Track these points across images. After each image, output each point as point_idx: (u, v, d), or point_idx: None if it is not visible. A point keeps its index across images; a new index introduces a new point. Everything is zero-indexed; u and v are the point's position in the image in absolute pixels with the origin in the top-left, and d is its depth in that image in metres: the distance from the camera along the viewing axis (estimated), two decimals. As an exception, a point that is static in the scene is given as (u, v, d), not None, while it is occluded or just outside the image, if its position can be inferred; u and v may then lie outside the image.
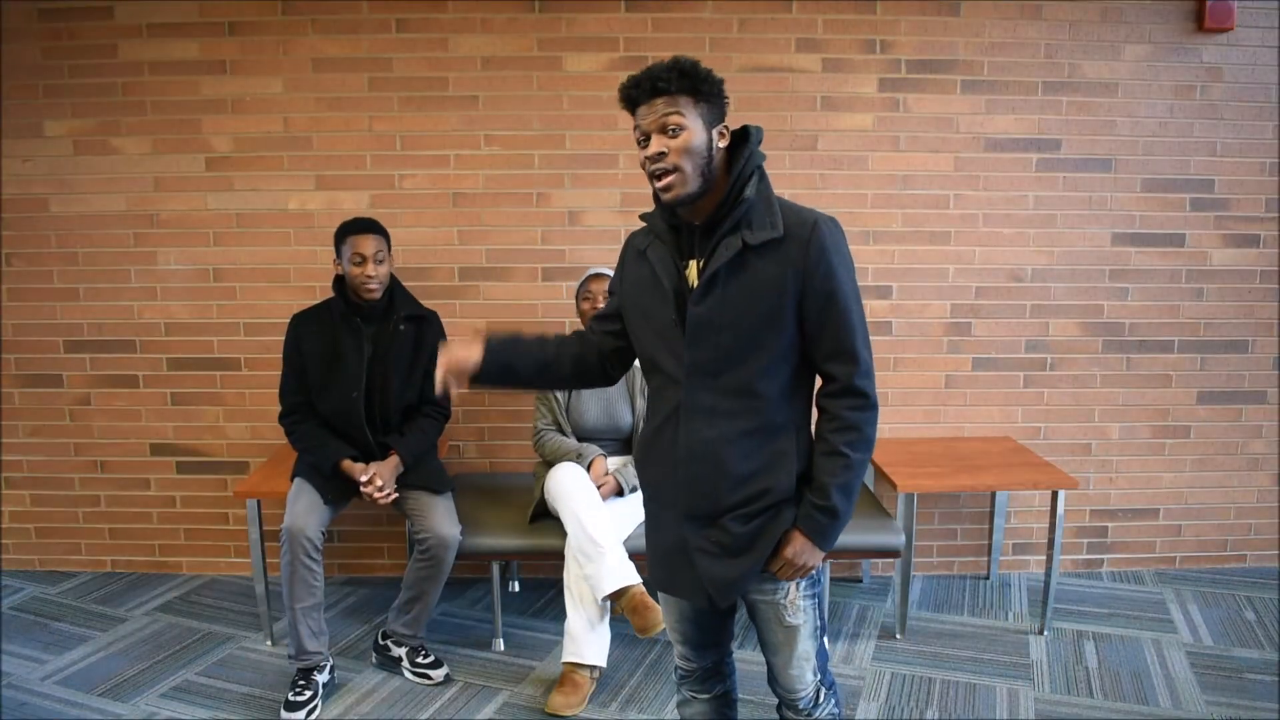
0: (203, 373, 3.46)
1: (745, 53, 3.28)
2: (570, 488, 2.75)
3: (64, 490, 3.54)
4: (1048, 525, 3.09)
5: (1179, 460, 3.54)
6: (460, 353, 1.74)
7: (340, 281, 2.82)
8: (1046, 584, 3.06)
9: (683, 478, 1.69)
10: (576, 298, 3.01)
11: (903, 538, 2.89)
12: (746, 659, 2.70)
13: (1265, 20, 3.29)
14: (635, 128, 1.61)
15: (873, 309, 3.38)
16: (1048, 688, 2.76)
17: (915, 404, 3.49)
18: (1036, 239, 3.40)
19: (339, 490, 2.77)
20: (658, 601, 2.42)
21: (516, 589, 3.48)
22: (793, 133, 3.33)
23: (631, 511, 2.79)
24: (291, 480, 2.80)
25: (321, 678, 2.70)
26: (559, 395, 2.99)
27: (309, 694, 2.62)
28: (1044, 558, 3.22)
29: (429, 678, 2.79)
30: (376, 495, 2.71)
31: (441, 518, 2.75)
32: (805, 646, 1.78)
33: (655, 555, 1.83)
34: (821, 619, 1.81)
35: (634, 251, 1.77)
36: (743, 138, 1.65)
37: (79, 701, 2.68)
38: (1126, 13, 3.28)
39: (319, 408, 2.81)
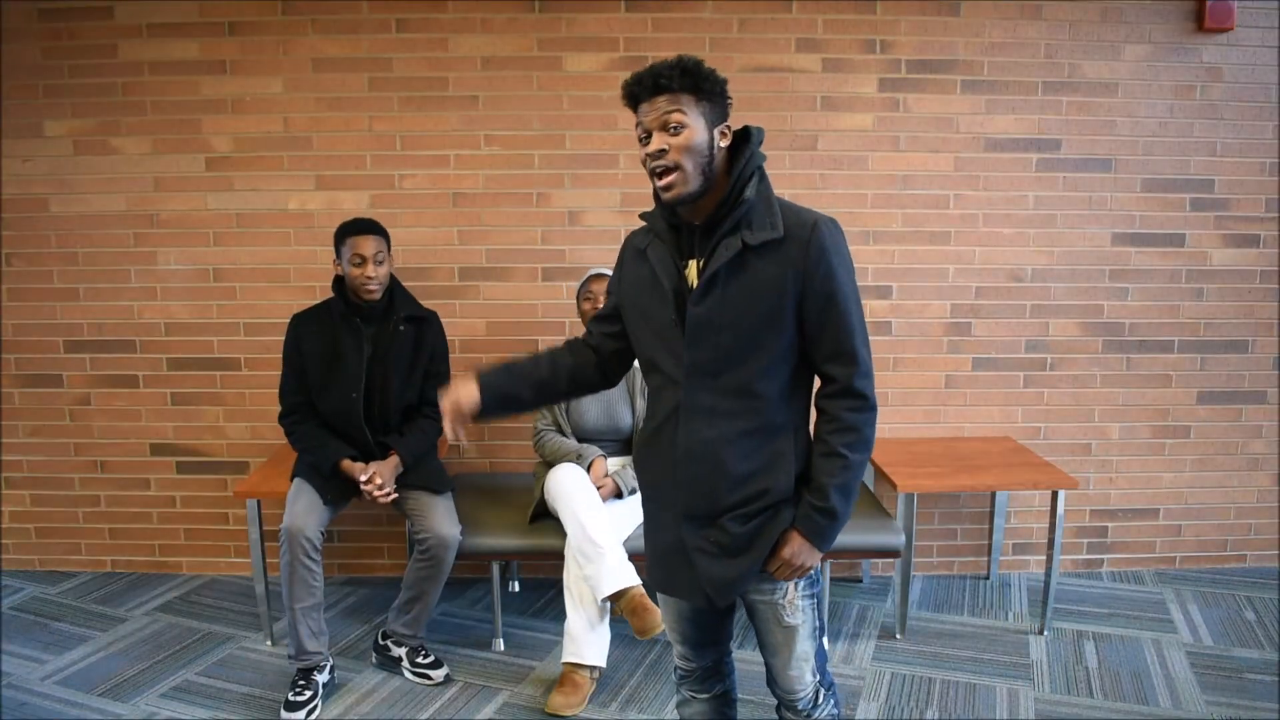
0: (203, 373, 3.46)
1: (745, 53, 3.28)
2: (570, 488, 2.75)
3: (64, 490, 3.54)
4: (1048, 525, 3.09)
5: (1179, 460, 3.54)
6: (458, 396, 1.74)
7: (340, 282, 2.82)
8: (1046, 584, 3.06)
9: (682, 478, 1.69)
10: (577, 298, 3.01)
11: (903, 538, 2.89)
12: (746, 659, 2.70)
13: (1265, 20, 3.29)
14: (637, 125, 1.61)
15: (873, 309, 3.38)
16: (1048, 688, 2.76)
17: (915, 404, 3.49)
18: (1036, 239, 3.40)
19: (339, 490, 2.77)
20: (657, 603, 2.42)
21: (516, 589, 3.48)
22: (793, 133, 3.33)
23: (631, 513, 2.79)
24: (291, 480, 2.80)
25: (321, 678, 2.70)
26: (559, 396, 3.00)
27: (309, 694, 2.62)
28: (1044, 558, 3.22)
29: (429, 678, 2.80)
30: (377, 494, 2.71)
31: (441, 518, 2.75)
32: (804, 647, 1.77)
33: (654, 555, 1.83)
34: (820, 619, 1.81)
35: (633, 251, 1.77)
36: (744, 138, 1.65)
37: (79, 701, 2.68)
38: (1126, 13, 3.28)
39: (319, 408, 2.81)
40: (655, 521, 1.81)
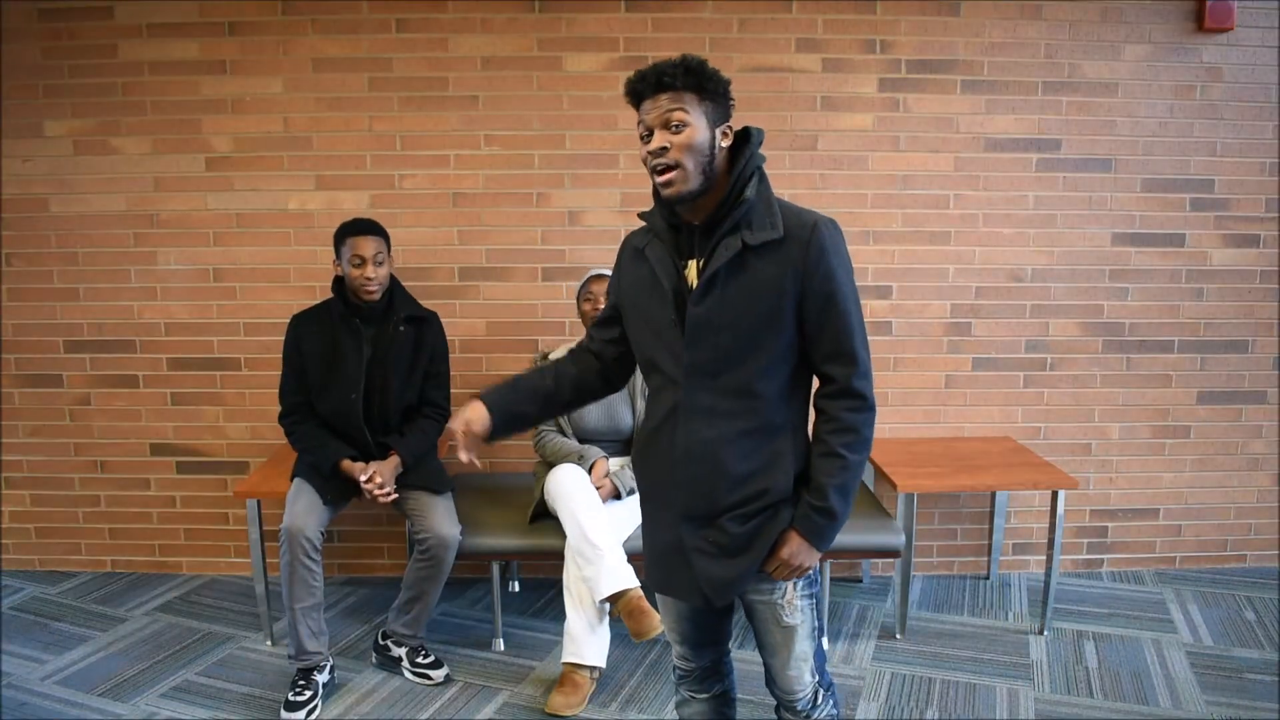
0: (203, 373, 3.46)
1: (745, 53, 3.28)
2: (570, 489, 2.75)
3: (64, 490, 3.54)
4: (1048, 525, 3.09)
5: (1179, 460, 3.54)
6: (468, 419, 1.76)
7: (340, 282, 2.82)
8: (1046, 584, 3.06)
9: (681, 478, 1.69)
10: (578, 299, 3.01)
11: (903, 538, 2.89)
12: (746, 659, 2.70)
13: (1265, 20, 3.29)
14: (639, 122, 1.61)
15: (873, 309, 3.38)
16: (1048, 688, 2.76)
17: (915, 404, 3.49)
18: (1036, 239, 3.40)
19: (338, 490, 2.77)
20: (655, 605, 2.42)
21: (516, 589, 3.48)
22: (793, 133, 3.33)
23: (630, 514, 2.79)
24: (291, 480, 2.80)
25: (321, 678, 2.70)
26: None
27: (309, 694, 2.62)
28: (1044, 558, 3.22)
29: (429, 678, 2.79)
30: (377, 493, 2.71)
31: (441, 518, 2.75)
32: (803, 647, 1.77)
33: (652, 556, 1.83)
34: (819, 619, 1.81)
35: (631, 250, 1.77)
36: (744, 138, 1.65)
37: (79, 701, 2.68)
38: (1126, 13, 3.28)
39: (318, 408, 2.81)
40: (654, 522, 1.81)
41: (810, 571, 1.74)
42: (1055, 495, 2.99)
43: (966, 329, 3.45)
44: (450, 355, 3.02)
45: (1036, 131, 3.35)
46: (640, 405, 2.93)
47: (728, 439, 1.65)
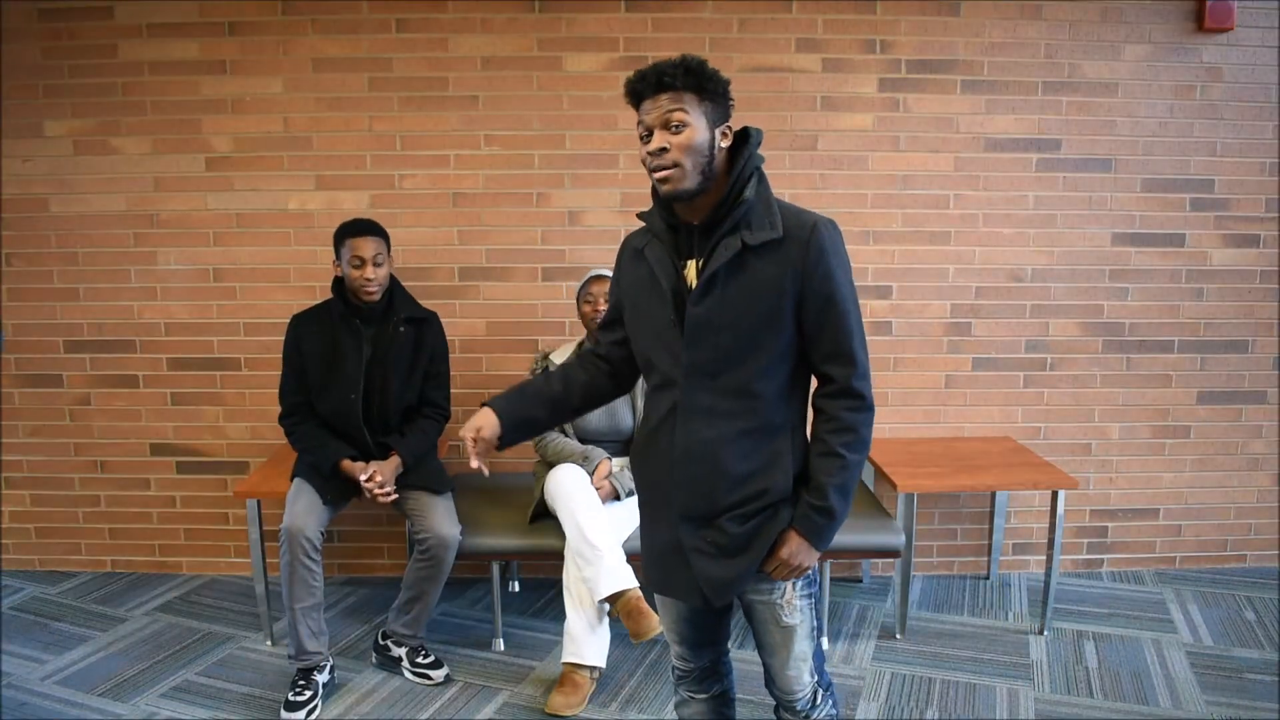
0: (203, 373, 3.46)
1: (745, 53, 3.28)
2: (569, 489, 2.75)
3: (64, 490, 3.54)
4: (1048, 525, 3.09)
5: (1179, 460, 3.54)
6: (479, 426, 1.75)
7: (339, 283, 2.81)
8: (1046, 584, 3.06)
9: (680, 478, 1.69)
10: (578, 300, 3.00)
11: (903, 538, 2.89)
12: (745, 659, 2.70)
13: (1265, 20, 3.29)
14: (639, 123, 1.61)
15: (873, 309, 3.38)
16: (1048, 688, 2.76)
17: (915, 404, 3.49)
18: (1036, 239, 3.40)
19: (338, 490, 2.77)
20: (654, 605, 2.42)
21: (516, 589, 3.48)
22: (793, 133, 3.33)
23: (630, 515, 2.78)
24: (291, 480, 2.80)
25: (321, 678, 2.70)
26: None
27: (309, 694, 2.62)
28: (1044, 558, 3.22)
29: (429, 678, 2.79)
30: (377, 492, 2.71)
31: (441, 518, 2.75)
32: (802, 647, 1.77)
33: (650, 556, 1.83)
34: (818, 619, 1.81)
35: (631, 251, 1.77)
36: (743, 139, 1.65)
37: (79, 701, 2.68)
38: (1126, 13, 3.28)
39: (318, 409, 2.81)
40: (652, 522, 1.80)
41: (809, 571, 1.74)
42: (1055, 495, 2.99)
43: (966, 329, 3.45)
44: (450, 355, 3.02)
45: (1036, 131, 3.35)
46: (641, 406, 2.93)
47: (727, 439, 1.65)
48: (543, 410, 1.83)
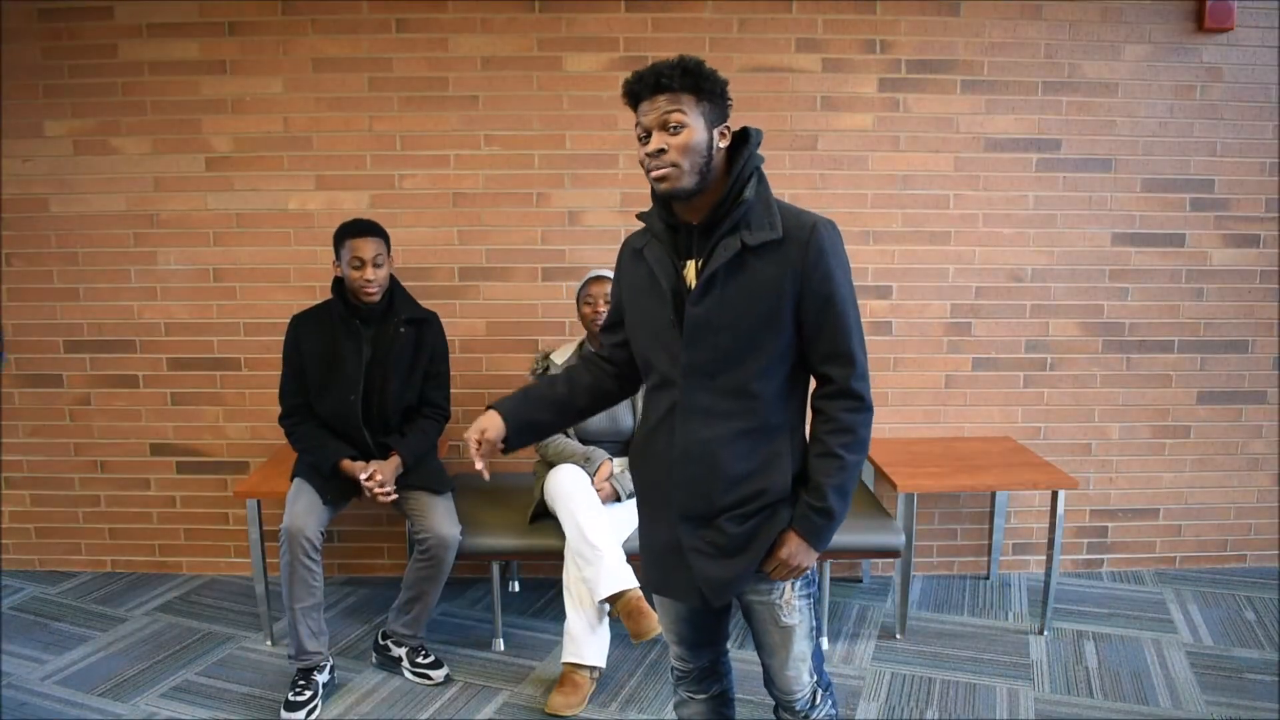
0: (203, 373, 3.46)
1: (745, 53, 3.28)
2: (570, 489, 2.75)
3: (64, 490, 3.54)
4: (1048, 525, 3.09)
5: (1179, 460, 3.54)
6: (484, 428, 1.75)
7: (339, 283, 2.81)
8: (1046, 584, 3.06)
9: (679, 478, 1.69)
10: (577, 301, 3.00)
11: (903, 538, 2.89)
12: (745, 659, 2.70)
13: (1265, 20, 3.29)
14: (637, 124, 1.61)
15: (872, 309, 3.38)
16: (1048, 688, 2.76)
17: (915, 404, 3.49)
18: (1036, 239, 3.40)
19: (338, 490, 2.77)
20: (654, 606, 2.42)
21: (516, 589, 3.48)
22: (793, 133, 3.33)
23: (630, 515, 2.78)
24: (291, 480, 2.80)
25: (321, 678, 2.70)
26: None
27: (309, 694, 2.62)
28: (1044, 558, 3.22)
29: (429, 678, 2.80)
30: (377, 491, 2.71)
31: (441, 518, 2.75)
32: (801, 647, 1.77)
33: (649, 556, 1.83)
34: (817, 619, 1.81)
35: (630, 252, 1.77)
36: (742, 139, 1.65)
37: (79, 701, 2.68)
38: (1126, 13, 3.28)
39: (317, 409, 2.81)
40: (651, 522, 1.80)
41: (808, 571, 1.74)
42: (1055, 495, 2.99)
43: (966, 329, 3.45)
44: (450, 355, 3.02)
45: (1036, 131, 3.35)
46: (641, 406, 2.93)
47: (726, 439, 1.65)
48: (548, 413, 1.83)
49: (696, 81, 1.56)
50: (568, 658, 2.67)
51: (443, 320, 2.97)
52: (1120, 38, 3.29)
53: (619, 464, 2.95)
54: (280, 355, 2.86)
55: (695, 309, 1.62)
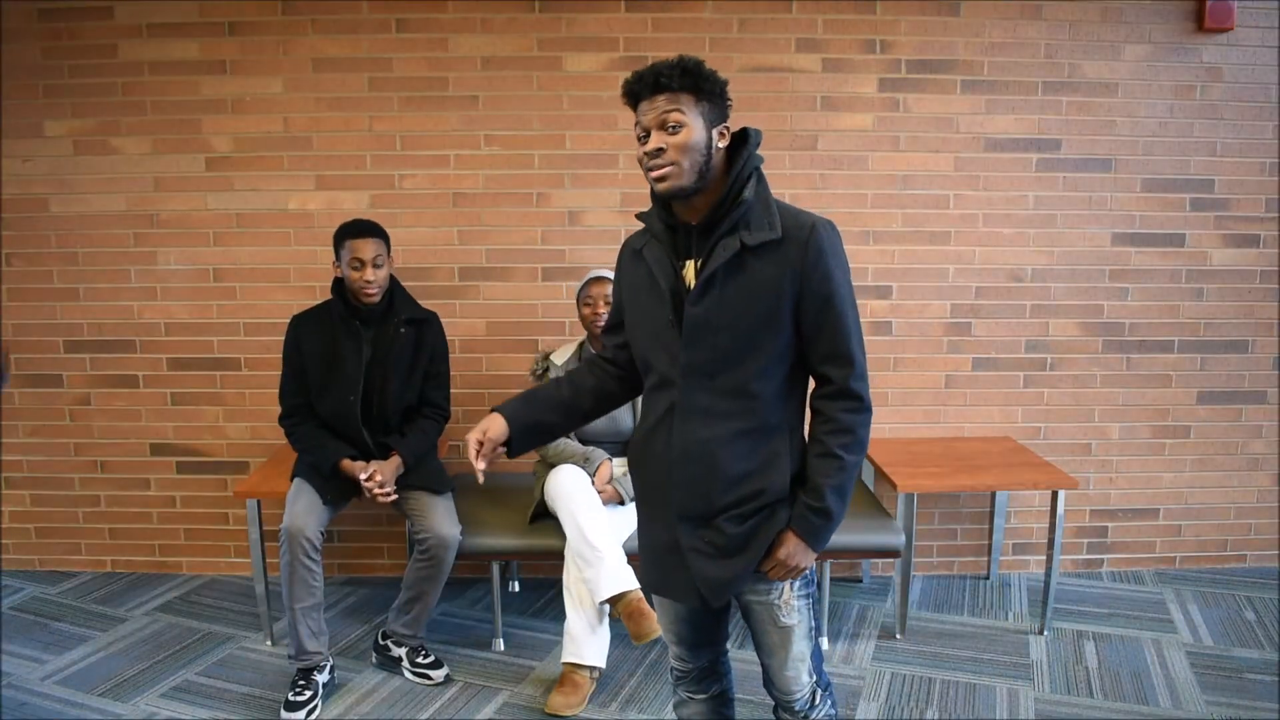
0: (203, 373, 3.46)
1: (745, 53, 3.28)
2: (570, 490, 2.75)
3: (64, 490, 3.54)
4: (1048, 525, 3.09)
5: (1179, 460, 3.54)
6: (486, 429, 1.75)
7: (339, 283, 2.81)
8: (1046, 584, 3.06)
9: (677, 479, 1.69)
10: (577, 302, 2.99)
11: (903, 538, 2.89)
12: (744, 659, 2.70)
13: (1265, 20, 3.29)
14: (636, 124, 1.61)
15: (872, 309, 3.38)
16: (1048, 688, 2.76)
17: (915, 404, 3.49)
18: (1036, 239, 3.40)
19: (338, 490, 2.77)
20: (654, 607, 2.42)
21: (516, 589, 3.48)
22: (793, 133, 3.33)
23: (630, 516, 2.78)
24: (291, 480, 2.80)
25: (321, 678, 2.70)
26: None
27: (309, 694, 2.62)
28: (1044, 558, 3.22)
29: (429, 678, 2.80)
30: (377, 491, 2.71)
31: (441, 518, 2.75)
32: (800, 647, 1.77)
33: (648, 556, 1.83)
34: (816, 620, 1.81)
35: (630, 252, 1.77)
36: (742, 139, 1.65)
37: (79, 701, 2.69)
38: (1126, 13, 3.28)
39: (317, 409, 2.81)
40: (650, 522, 1.80)
41: (807, 572, 1.74)
42: (1055, 495, 2.99)
43: (966, 329, 3.45)
44: (450, 355, 3.02)
45: (1036, 131, 3.35)
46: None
47: (724, 439, 1.65)
48: (553, 415, 1.83)
49: (696, 81, 1.56)
50: (568, 658, 2.67)
51: (443, 320, 2.97)
52: (1120, 38, 3.29)
53: (619, 465, 2.95)
54: (280, 355, 2.86)
55: (694, 309, 1.62)
